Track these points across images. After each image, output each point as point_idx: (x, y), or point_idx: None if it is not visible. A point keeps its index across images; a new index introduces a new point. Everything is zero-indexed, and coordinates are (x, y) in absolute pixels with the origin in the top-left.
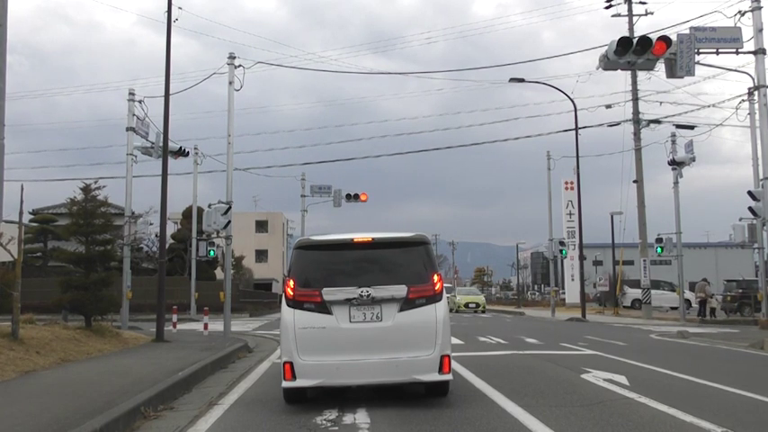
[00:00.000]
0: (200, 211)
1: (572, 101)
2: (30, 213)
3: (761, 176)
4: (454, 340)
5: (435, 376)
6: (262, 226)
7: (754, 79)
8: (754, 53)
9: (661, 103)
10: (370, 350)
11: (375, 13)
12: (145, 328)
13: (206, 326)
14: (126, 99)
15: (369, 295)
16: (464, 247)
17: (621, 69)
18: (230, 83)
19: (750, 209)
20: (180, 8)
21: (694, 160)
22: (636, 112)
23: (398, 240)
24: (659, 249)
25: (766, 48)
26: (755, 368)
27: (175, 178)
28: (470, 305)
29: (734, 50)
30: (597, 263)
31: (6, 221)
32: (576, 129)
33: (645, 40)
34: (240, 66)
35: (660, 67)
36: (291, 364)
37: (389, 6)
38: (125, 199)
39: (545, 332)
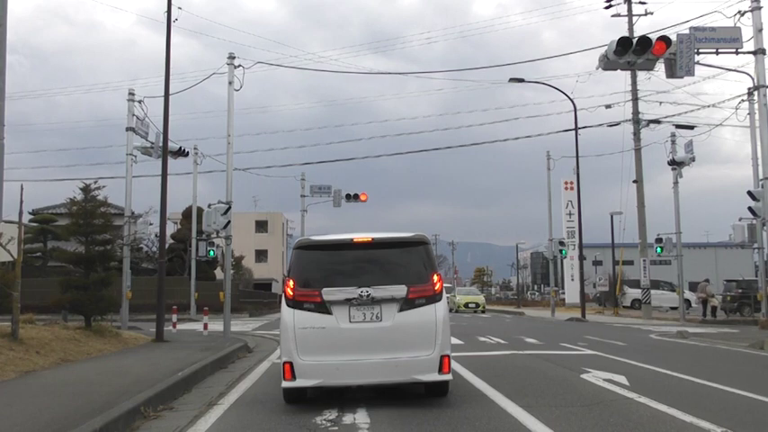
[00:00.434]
0: (199, 211)
1: (572, 101)
2: (29, 213)
3: (761, 176)
4: (454, 340)
5: (435, 376)
6: (262, 226)
7: (753, 79)
8: (754, 53)
9: (661, 103)
10: (370, 350)
11: (375, 13)
12: (145, 328)
13: (206, 326)
14: (126, 99)
15: (368, 295)
16: (464, 247)
17: (621, 69)
18: (230, 83)
19: (750, 209)
20: (180, 8)
21: (694, 160)
22: (636, 112)
23: (398, 240)
24: (659, 249)
25: (766, 48)
26: (755, 368)
27: (175, 178)
28: (470, 305)
29: (734, 50)
30: (597, 263)
31: (6, 221)
32: (576, 129)
33: (645, 40)
34: (240, 66)
35: (660, 67)
36: (291, 364)
37: (389, 6)
38: (125, 199)
39: (545, 332)
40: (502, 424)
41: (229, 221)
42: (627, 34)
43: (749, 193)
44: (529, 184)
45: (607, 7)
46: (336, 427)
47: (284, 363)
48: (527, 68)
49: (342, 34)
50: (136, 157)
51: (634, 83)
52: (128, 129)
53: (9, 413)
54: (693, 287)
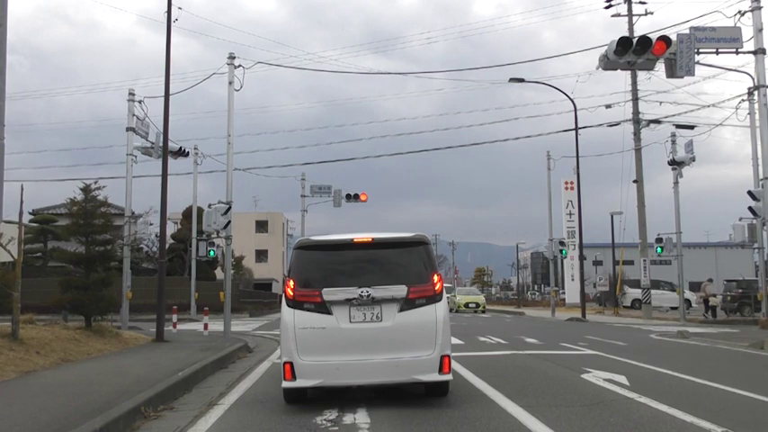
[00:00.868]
0: (200, 211)
1: (572, 101)
2: (30, 213)
3: (761, 176)
4: (454, 340)
5: (435, 376)
6: (262, 226)
7: (753, 79)
8: (754, 53)
9: (661, 102)
10: (371, 350)
11: (375, 13)
12: (145, 328)
13: (206, 326)
14: (126, 99)
15: (369, 295)
16: (464, 247)
17: (621, 69)
18: (230, 83)
19: (750, 209)
20: (180, 8)
21: (694, 160)
22: (636, 111)
23: (398, 240)
24: (659, 249)
25: (766, 48)
26: (756, 368)
27: (175, 178)
28: (470, 305)
29: (734, 50)
30: (597, 263)
31: (6, 221)
32: (576, 129)
33: (645, 39)
34: (240, 66)
35: (660, 66)
36: (291, 364)
37: (389, 6)
38: (125, 199)
39: (545, 332)
40: (502, 424)
41: (229, 221)
42: (627, 34)
43: (749, 192)
44: (529, 184)
45: (607, 7)
46: (337, 427)
47: (284, 363)
48: (527, 68)
49: (342, 34)
50: (136, 157)
51: (634, 83)
52: (128, 129)
53: (9, 413)
54: (693, 287)
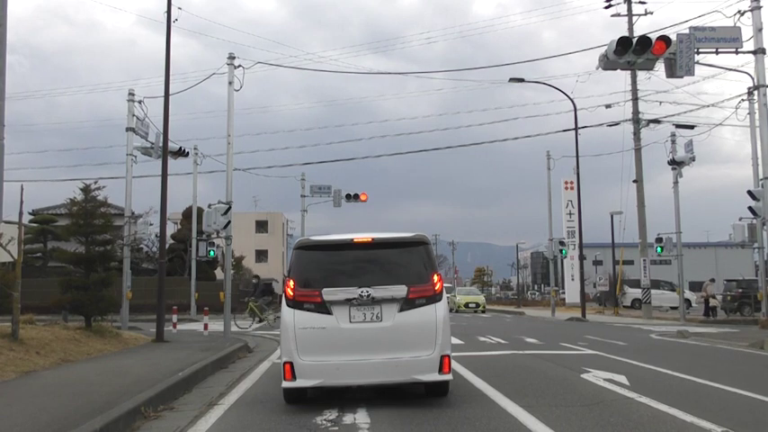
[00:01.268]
0: (200, 211)
1: (572, 101)
2: (29, 214)
3: (761, 176)
4: (454, 340)
5: (435, 376)
6: (262, 226)
7: (753, 79)
8: (754, 53)
9: (661, 102)
10: (371, 350)
11: (375, 13)
12: (145, 328)
13: (206, 326)
14: (126, 99)
15: (369, 295)
16: (464, 247)
17: (621, 69)
18: (230, 83)
19: (750, 208)
20: (180, 8)
21: (694, 160)
22: (636, 111)
23: (398, 240)
24: (659, 249)
25: (766, 47)
26: (756, 368)
27: (175, 178)
28: (470, 305)
29: (733, 50)
30: (597, 263)
31: (6, 222)
32: (576, 129)
33: (644, 39)
34: (240, 66)
35: (660, 66)
36: (291, 364)
37: (389, 6)
38: (125, 199)
39: (545, 332)
40: (502, 424)
41: (229, 221)
42: (627, 34)
43: (749, 192)
44: (529, 184)
45: (607, 7)
46: (337, 428)
47: (284, 363)
48: (527, 68)
49: (342, 34)
50: (136, 157)
51: (634, 83)
52: (128, 129)
53: (9, 413)
54: (694, 287)
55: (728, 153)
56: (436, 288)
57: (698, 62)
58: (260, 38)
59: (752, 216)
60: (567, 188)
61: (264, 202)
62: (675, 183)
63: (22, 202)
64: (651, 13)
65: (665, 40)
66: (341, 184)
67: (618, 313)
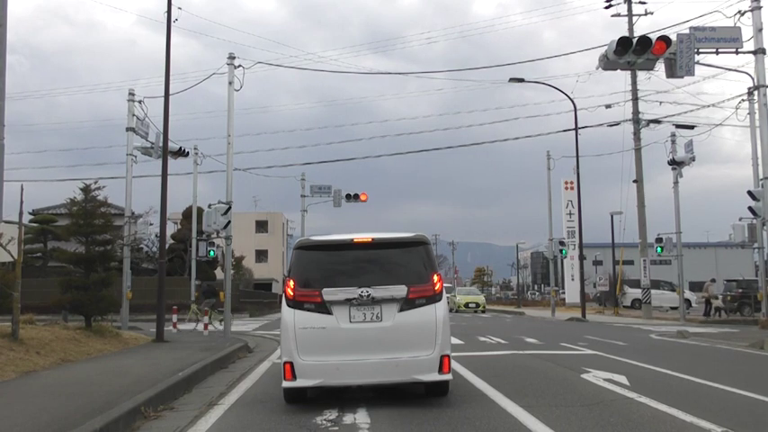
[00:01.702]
0: (200, 211)
1: (572, 101)
2: (29, 213)
3: (761, 176)
4: (454, 340)
5: (435, 376)
6: (262, 226)
7: (753, 79)
8: (754, 53)
9: (661, 102)
10: (370, 350)
11: (375, 13)
12: (145, 328)
13: (206, 326)
14: (126, 99)
15: (369, 295)
16: (464, 247)
17: (621, 69)
18: (230, 83)
19: (750, 209)
20: (180, 8)
21: (694, 160)
22: (636, 111)
23: (398, 240)
24: (659, 249)
25: (766, 47)
26: (755, 368)
27: (175, 178)
28: (470, 305)
29: (734, 50)
30: (597, 263)
31: (6, 222)
32: (576, 129)
33: (644, 39)
34: (240, 66)
35: (660, 66)
36: (291, 363)
37: (389, 6)
38: (125, 199)
39: (545, 332)
40: (502, 424)
41: (229, 221)
42: (627, 34)
43: (749, 192)
44: (529, 184)
45: (607, 7)
46: (337, 428)
47: (285, 363)
48: (527, 68)
49: (342, 34)
50: (136, 157)
51: (634, 83)
52: (128, 129)
53: (9, 413)
54: (694, 287)
55: (728, 153)
56: (436, 288)
57: (698, 62)
58: (260, 38)
59: (752, 216)
60: (567, 188)
61: (264, 202)
62: (675, 183)
63: (22, 201)
64: (651, 14)
65: (665, 40)
66: (341, 184)
67: (618, 313)
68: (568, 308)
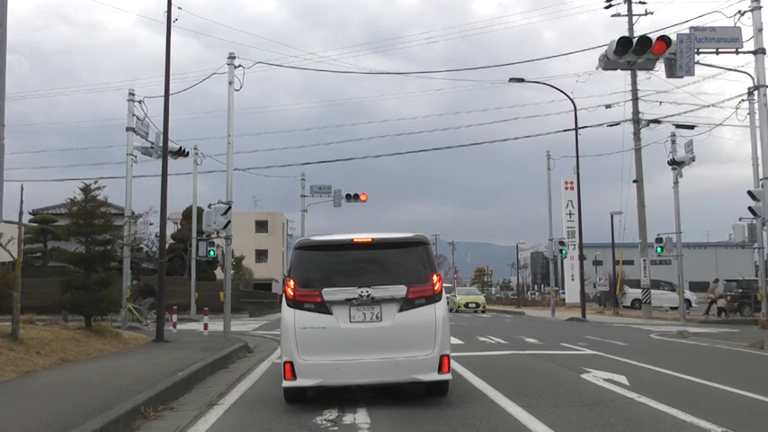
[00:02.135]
0: (200, 211)
1: (572, 101)
2: (29, 213)
3: (761, 176)
4: (454, 340)
5: (435, 376)
6: (262, 226)
7: (753, 79)
8: (754, 53)
9: (661, 102)
10: (370, 350)
11: (375, 13)
12: (145, 328)
13: (206, 326)
14: (126, 99)
15: (369, 295)
16: (464, 247)
17: (621, 69)
18: (230, 83)
19: (750, 209)
20: (180, 8)
21: (694, 160)
22: (636, 111)
23: (398, 241)
24: (659, 249)
25: (766, 47)
26: (755, 368)
27: (175, 178)
28: (470, 305)
29: (734, 50)
30: (597, 263)
31: (6, 221)
32: (576, 129)
33: (644, 39)
34: (240, 66)
35: (660, 66)
36: (292, 363)
37: (389, 6)
38: (125, 199)
39: (545, 332)
40: (502, 424)
41: (229, 221)
42: (627, 34)
43: (749, 192)
44: (529, 184)
45: (607, 7)
46: (337, 427)
47: (285, 362)
48: (527, 68)
49: (342, 34)
50: (136, 157)
51: (634, 83)
52: (128, 129)
53: (9, 413)
54: (694, 287)
55: (728, 153)
56: (436, 288)
57: (698, 62)
58: (260, 38)
59: (752, 216)
60: (567, 188)
61: (264, 202)
62: (675, 183)
63: (22, 201)
64: (651, 14)
65: (665, 40)
66: (341, 184)
67: (618, 313)
68: (568, 308)
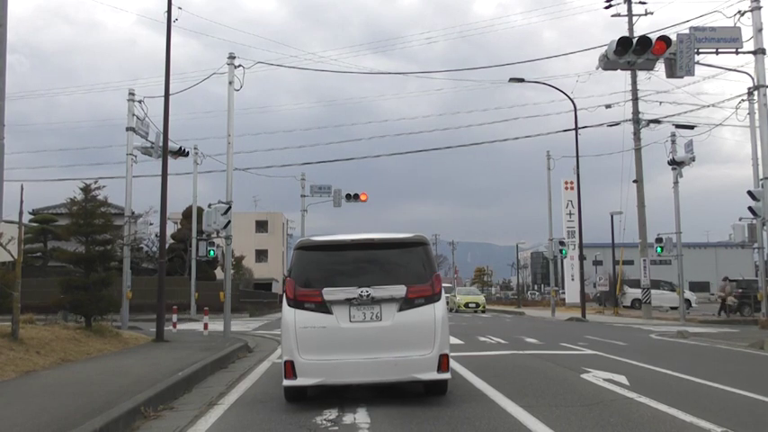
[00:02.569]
0: (200, 211)
1: (572, 101)
2: (30, 213)
3: (761, 176)
4: (454, 340)
5: (434, 375)
6: (262, 226)
7: (753, 79)
8: (754, 53)
9: (661, 102)
10: (370, 349)
11: (375, 13)
12: (145, 328)
13: (206, 326)
14: (126, 99)
15: (368, 295)
16: (464, 247)
17: (621, 69)
18: (230, 83)
19: (750, 209)
20: (180, 8)
21: (694, 160)
22: (636, 111)
23: (398, 241)
24: (659, 249)
25: (766, 48)
26: (755, 368)
27: (175, 178)
28: (470, 305)
29: (734, 50)
30: (597, 263)
31: (6, 221)
32: (576, 129)
33: (644, 39)
34: (240, 66)
35: (660, 66)
36: (292, 362)
37: (389, 6)
38: (125, 199)
39: (545, 332)
40: (502, 424)
41: (229, 221)
42: (627, 34)
43: (749, 192)
44: (529, 184)
45: (607, 7)
46: (337, 427)
47: (285, 361)
48: (527, 68)
49: (342, 34)
50: (136, 157)
51: (634, 83)
52: (128, 129)
53: (9, 413)
54: (693, 287)
55: (728, 153)
56: (435, 288)
57: (698, 62)
58: (260, 38)
59: (752, 216)
60: (567, 188)
61: (264, 202)
62: (675, 183)
63: (22, 201)
64: (651, 14)
65: (665, 40)
66: (341, 184)
67: (618, 313)
68: (568, 308)
